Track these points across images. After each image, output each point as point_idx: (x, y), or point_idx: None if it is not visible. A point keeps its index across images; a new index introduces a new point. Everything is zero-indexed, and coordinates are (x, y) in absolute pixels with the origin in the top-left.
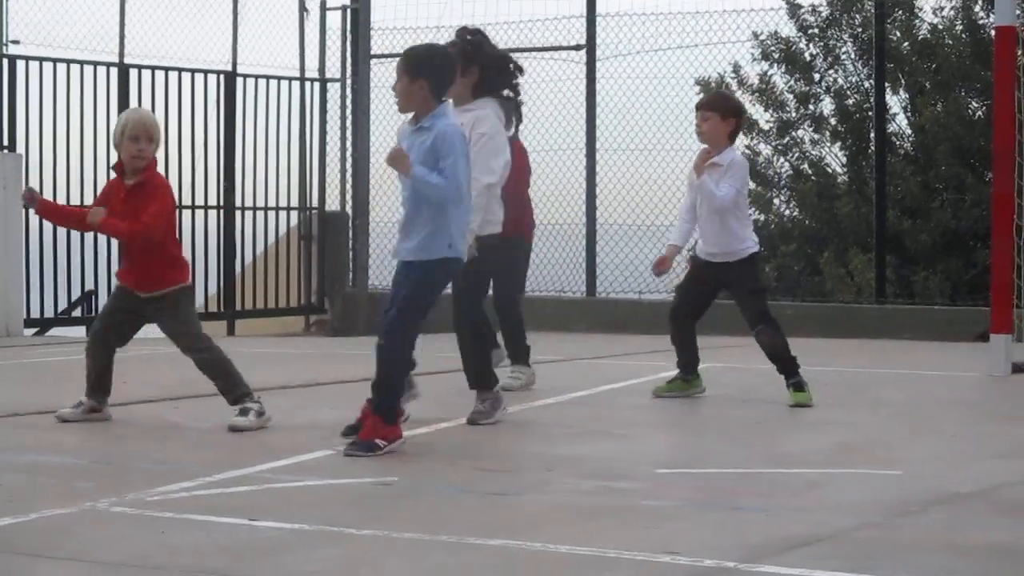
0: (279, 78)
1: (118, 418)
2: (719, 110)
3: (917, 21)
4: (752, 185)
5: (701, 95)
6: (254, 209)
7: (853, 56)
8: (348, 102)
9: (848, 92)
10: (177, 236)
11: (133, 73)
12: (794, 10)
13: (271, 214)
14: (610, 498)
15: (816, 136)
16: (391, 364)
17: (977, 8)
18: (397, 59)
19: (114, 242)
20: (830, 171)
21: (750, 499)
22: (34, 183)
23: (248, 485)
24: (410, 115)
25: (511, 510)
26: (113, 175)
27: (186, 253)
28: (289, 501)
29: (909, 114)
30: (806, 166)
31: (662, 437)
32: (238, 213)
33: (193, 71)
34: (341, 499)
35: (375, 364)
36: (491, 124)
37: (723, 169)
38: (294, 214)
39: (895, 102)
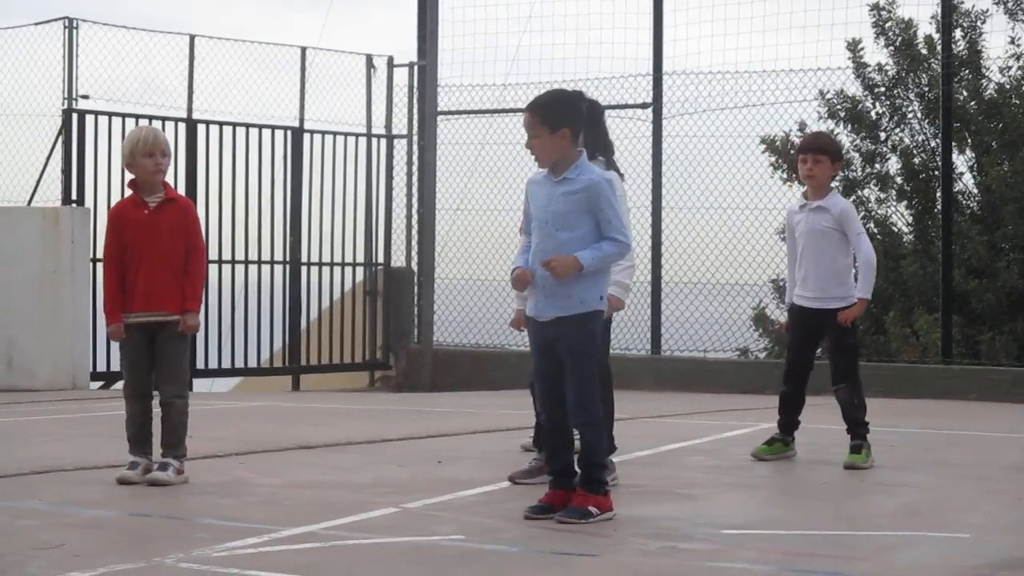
0: (346, 134)
1: (185, 473)
2: (830, 154)
3: (984, 81)
4: None
5: (767, 153)
6: (320, 264)
7: (919, 115)
8: (414, 158)
9: (914, 151)
10: None
11: (201, 128)
12: (860, 69)
13: (337, 269)
14: (675, 559)
15: (882, 195)
16: (588, 433)
17: None
18: (528, 113)
19: None
20: (896, 230)
21: (817, 562)
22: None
23: (314, 542)
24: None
25: (576, 570)
26: (129, 193)
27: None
28: (355, 559)
29: (975, 174)
30: (872, 225)
31: (728, 497)
32: (304, 268)
33: (260, 127)
34: (406, 557)
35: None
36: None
37: (833, 216)
38: (359, 270)
39: (961, 161)
